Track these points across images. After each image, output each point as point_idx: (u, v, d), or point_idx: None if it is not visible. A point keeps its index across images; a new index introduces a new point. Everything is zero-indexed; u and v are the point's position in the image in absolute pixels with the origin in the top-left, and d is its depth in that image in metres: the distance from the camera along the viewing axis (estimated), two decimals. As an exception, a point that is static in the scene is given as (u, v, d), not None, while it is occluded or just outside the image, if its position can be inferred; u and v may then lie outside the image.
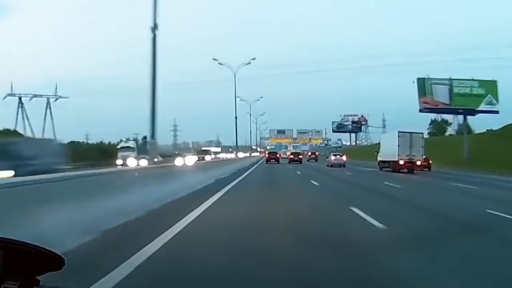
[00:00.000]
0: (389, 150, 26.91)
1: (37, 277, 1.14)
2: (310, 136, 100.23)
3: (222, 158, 43.13)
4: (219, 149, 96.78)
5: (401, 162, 25.72)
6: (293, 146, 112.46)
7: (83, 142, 58.86)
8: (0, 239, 1.04)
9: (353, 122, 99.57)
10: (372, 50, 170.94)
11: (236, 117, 42.68)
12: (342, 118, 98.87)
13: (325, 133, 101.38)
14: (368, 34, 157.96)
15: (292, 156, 47.49)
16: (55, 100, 63.24)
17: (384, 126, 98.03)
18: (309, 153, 62.56)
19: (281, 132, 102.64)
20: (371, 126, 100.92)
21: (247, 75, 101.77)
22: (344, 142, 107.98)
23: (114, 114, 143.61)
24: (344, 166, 35.02)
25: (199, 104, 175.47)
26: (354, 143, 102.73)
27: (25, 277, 1.09)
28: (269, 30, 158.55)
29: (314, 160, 55.16)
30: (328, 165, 36.18)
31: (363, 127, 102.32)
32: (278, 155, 48.24)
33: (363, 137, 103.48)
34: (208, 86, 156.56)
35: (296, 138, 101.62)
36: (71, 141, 46.63)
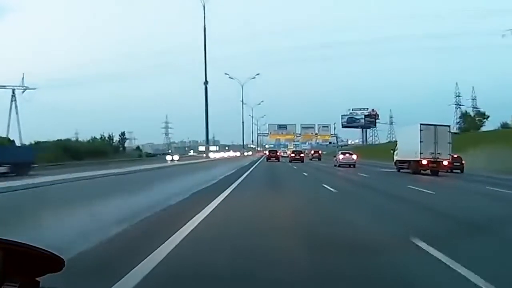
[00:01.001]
0: (409, 147, 23.33)
1: (37, 278, 1.16)
2: (316, 132, 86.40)
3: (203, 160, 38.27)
4: (213, 148, 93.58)
5: (424, 161, 22.17)
6: (293, 144, 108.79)
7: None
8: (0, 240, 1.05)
9: (365, 116, 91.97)
10: (379, 42, 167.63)
11: (206, 82, 22.22)
12: (351, 113, 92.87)
13: (334, 128, 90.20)
14: (376, 27, 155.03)
15: (293, 155, 46.83)
16: (23, 92, 58.95)
17: (391, 123, 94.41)
18: (312, 152, 61.64)
19: (282, 127, 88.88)
20: (379, 123, 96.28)
21: (243, 62, 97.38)
22: (350, 141, 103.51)
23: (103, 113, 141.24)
24: (354, 166, 32.35)
25: (198, 102, 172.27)
26: (362, 141, 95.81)
27: (25, 278, 1.12)
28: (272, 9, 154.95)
29: (317, 159, 53.81)
30: (335, 165, 33.29)
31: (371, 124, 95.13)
32: (278, 154, 51.09)
33: (370, 134, 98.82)
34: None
35: (300, 134, 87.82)
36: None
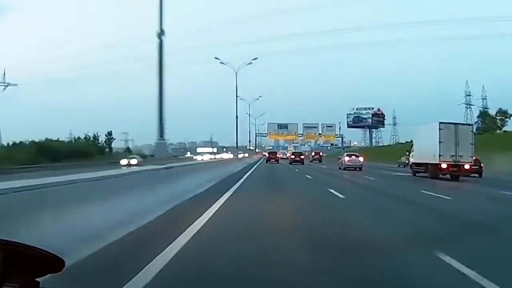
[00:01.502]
0: (427, 148, 21.18)
1: (37, 279, 1.17)
2: (320, 132, 79.55)
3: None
4: (210, 150, 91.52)
5: (444, 165, 19.99)
6: (293, 146, 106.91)
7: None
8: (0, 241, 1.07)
9: (373, 115, 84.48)
10: (383, 39, 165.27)
11: (161, 33, 10.51)
12: (355, 112, 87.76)
13: (339, 128, 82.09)
14: (380, 22, 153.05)
15: (293, 157, 46.52)
16: (4, 89, 56.52)
17: (394, 124, 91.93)
18: (313, 153, 60.60)
19: (282, 126, 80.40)
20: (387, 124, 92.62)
21: (242, 58, 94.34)
22: (352, 143, 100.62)
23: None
24: (360, 169, 30.21)
25: (197, 103, 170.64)
26: (370, 142, 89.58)
27: (25, 279, 1.12)
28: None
29: (318, 161, 53.15)
30: (340, 168, 31.38)
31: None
32: (277, 155, 51.92)
33: (374, 136, 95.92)
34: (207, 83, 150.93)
35: (302, 134, 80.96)
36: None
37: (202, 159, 39.53)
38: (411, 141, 26.58)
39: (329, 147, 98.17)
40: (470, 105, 76.85)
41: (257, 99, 57.66)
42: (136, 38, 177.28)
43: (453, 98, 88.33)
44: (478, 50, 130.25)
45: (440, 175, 20.46)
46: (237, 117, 42.06)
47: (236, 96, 41.32)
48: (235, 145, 46.85)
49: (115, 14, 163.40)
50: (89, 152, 42.32)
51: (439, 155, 20.00)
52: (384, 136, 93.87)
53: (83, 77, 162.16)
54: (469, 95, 77.95)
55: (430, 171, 20.86)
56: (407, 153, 25.30)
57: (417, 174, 22.70)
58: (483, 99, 74.43)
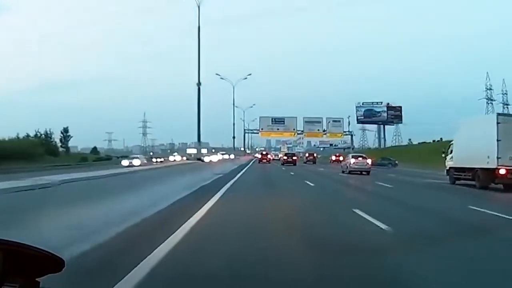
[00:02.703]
0: (476, 148, 16.25)
1: (37, 279, 1.16)
2: (324, 128, 66.62)
3: None
4: (195, 150, 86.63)
5: (502, 170, 14.99)
6: (287, 147, 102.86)
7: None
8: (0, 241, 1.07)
9: (388, 108, 70.43)
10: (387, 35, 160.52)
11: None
12: (364, 105, 76.26)
13: (348, 123, 69.88)
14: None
15: (285, 158, 47.25)
16: None
17: (397, 123, 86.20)
18: (307, 155, 60.17)
19: (278, 121, 66.10)
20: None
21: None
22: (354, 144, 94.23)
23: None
24: (368, 173, 26.20)
25: (192, 103, 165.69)
26: (379, 142, 77.55)
27: (25, 279, 1.12)
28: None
29: (312, 163, 52.74)
30: (344, 172, 27.38)
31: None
32: (269, 157, 54.25)
33: (376, 136, 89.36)
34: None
35: (302, 131, 67.32)
36: None
37: (131, 163, 31.87)
38: (441, 139, 21.47)
39: (322, 149, 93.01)
40: (492, 100, 70.76)
41: (245, 78, 48.63)
42: (131, 39, 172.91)
43: (456, 97, 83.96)
44: (480, 48, 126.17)
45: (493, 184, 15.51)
46: (199, 83, 21.75)
47: (199, 29, 21.72)
48: (228, 146, 39.17)
49: (111, 14, 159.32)
50: (35, 152, 35.36)
51: (497, 157, 14.93)
52: (386, 136, 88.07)
53: (80, 78, 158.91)
54: (490, 89, 71.05)
55: (481, 178, 15.72)
56: (443, 154, 19.87)
57: (457, 182, 17.54)
58: (504, 94, 69.32)
